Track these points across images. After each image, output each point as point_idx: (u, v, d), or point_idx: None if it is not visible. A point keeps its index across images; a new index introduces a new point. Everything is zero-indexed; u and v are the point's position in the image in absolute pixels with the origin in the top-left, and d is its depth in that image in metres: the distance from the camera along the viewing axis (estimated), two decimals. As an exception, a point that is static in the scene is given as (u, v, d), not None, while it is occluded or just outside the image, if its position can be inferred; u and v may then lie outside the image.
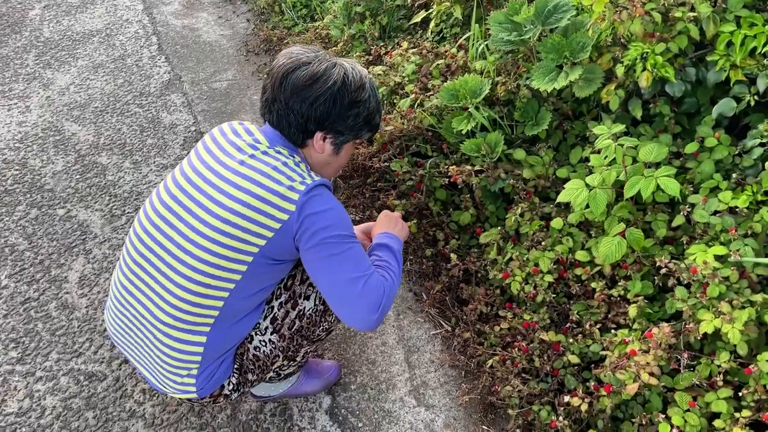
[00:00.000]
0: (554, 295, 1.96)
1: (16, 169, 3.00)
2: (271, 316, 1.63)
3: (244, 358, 1.65)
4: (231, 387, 1.67)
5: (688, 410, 1.58)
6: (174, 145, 3.16)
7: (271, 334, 1.63)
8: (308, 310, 1.64)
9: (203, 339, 1.53)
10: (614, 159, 1.88)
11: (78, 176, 2.96)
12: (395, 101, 2.68)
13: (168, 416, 1.95)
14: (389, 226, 1.76)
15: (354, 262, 1.46)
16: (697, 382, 1.62)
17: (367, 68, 2.93)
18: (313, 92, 1.43)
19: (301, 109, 1.44)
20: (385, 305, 1.47)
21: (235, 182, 1.43)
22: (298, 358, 1.74)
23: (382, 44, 3.17)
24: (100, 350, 2.15)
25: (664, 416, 1.59)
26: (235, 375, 1.66)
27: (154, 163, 3.04)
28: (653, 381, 1.58)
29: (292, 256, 1.52)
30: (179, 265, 1.46)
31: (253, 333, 1.63)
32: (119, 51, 4.05)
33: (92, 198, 2.83)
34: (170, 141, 3.19)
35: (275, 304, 1.63)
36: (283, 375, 1.81)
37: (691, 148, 1.94)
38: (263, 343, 1.63)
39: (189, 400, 1.65)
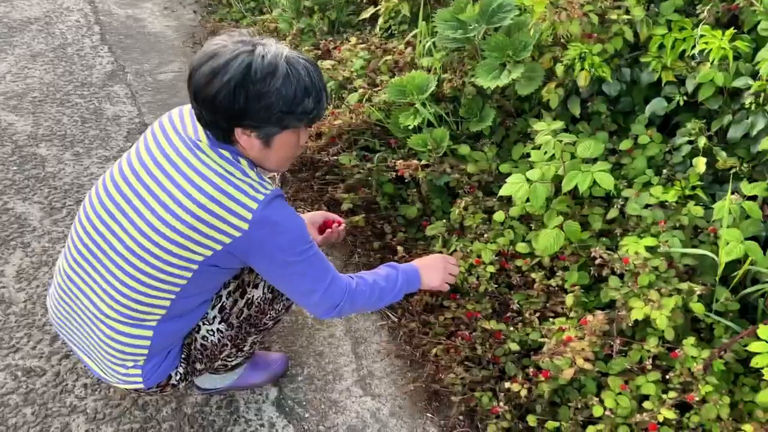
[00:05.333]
0: (496, 286, 2.02)
1: (-51, 160, 2.88)
2: (219, 305, 1.63)
3: (192, 347, 1.65)
4: (178, 377, 1.66)
5: (620, 393, 1.66)
6: (117, 137, 3.10)
7: (219, 323, 1.63)
8: (257, 299, 1.65)
9: (150, 333, 1.52)
10: (554, 155, 1.96)
11: (15, 167, 2.87)
12: (344, 96, 2.70)
13: (111, 410, 1.92)
14: (427, 266, 1.78)
15: (309, 277, 1.50)
16: (629, 367, 1.70)
17: (316, 62, 2.94)
18: (211, 90, 1.32)
19: (206, 108, 1.36)
20: (341, 309, 1.56)
21: (184, 188, 1.39)
22: (245, 348, 1.75)
23: (331, 39, 3.19)
24: (39, 345, 2.10)
25: (598, 400, 1.67)
26: (182, 365, 1.66)
27: (96, 155, 2.97)
28: (588, 366, 1.66)
29: (240, 265, 1.51)
30: (125, 265, 1.45)
31: (201, 323, 1.63)
32: (59, 40, 3.93)
33: (30, 190, 2.75)
34: (113, 132, 3.13)
35: (223, 293, 1.63)
36: (230, 366, 1.81)
37: (625, 145, 2.03)
38: (211, 333, 1.63)
39: (135, 390, 1.63)
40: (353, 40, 2.95)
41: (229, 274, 1.57)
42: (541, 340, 1.84)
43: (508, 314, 1.97)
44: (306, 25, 3.34)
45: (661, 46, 1.98)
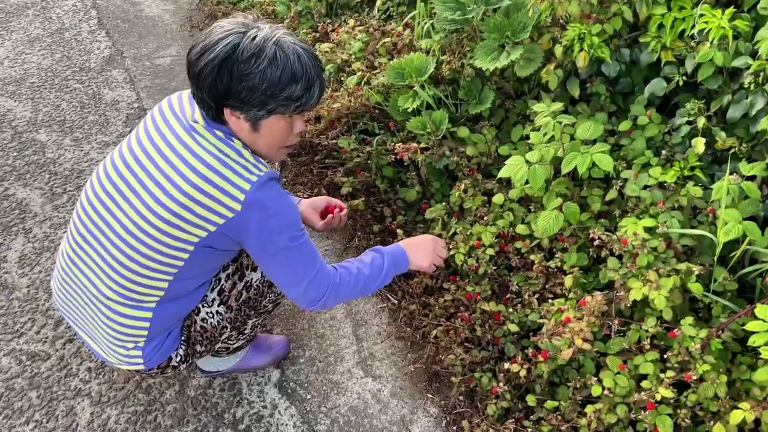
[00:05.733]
0: (495, 268, 2.03)
1: (-52, 147, 2.88)
2: (218, 288, 1.64)
3: (192, 330, 1.67)
4: (179, 358, 1.68)
5: (618, 373, 1.68)
6: (116, 122, 3.09)
7: (219, 305, 1.64)
8: (255, 281, 1.66)
9: (149, 314, 1.54)
10: (553, 136, 1.95)
11: (15, 153, 2.87)
12: (342, 79, 2.69)
13: (115, 393, 1.94)
14: (414, 245, 1.79)
15: (298, 266, 1.50)
16: (627, 347, 1.71)
17: (314, 45, 2.93)
18: (198, 66, 1.34)
19: (195, 85, 1.38)
20: (326, 301, 1.55)
21: (179, 168, 1.40)
22: (246, 331, 1.77)
23: (329, 21, 3.17)
24: (42, 330, 2.12)
25: (596, 379, 1.69)
26: (182, 347, 1.68)
27: (96, 140, 2.97)
28: (587, 346, 1.67)
29: (236, 246, 1.52)
30: (124, 246, 1.47)
31: (200, 305, 1.65)
32: (56, 24, 3.91)
33: (31, 176, 2.75)
34: (112, 118, 3.12)
35: (222, 276, 1.65)
36: (231, 348, 1.83)
37: (624, 126, 2.03)
38: (210, 315, 1.65)
39: (137, 371, 1.66)
40: (351, 22, 2.93)
41: (227, 256, 1.58)
42: (540, 321, 1.85)
43: (508, 296, 1.98)
44: (304, 8, 3.32)
45: (661, 26, 1.96)
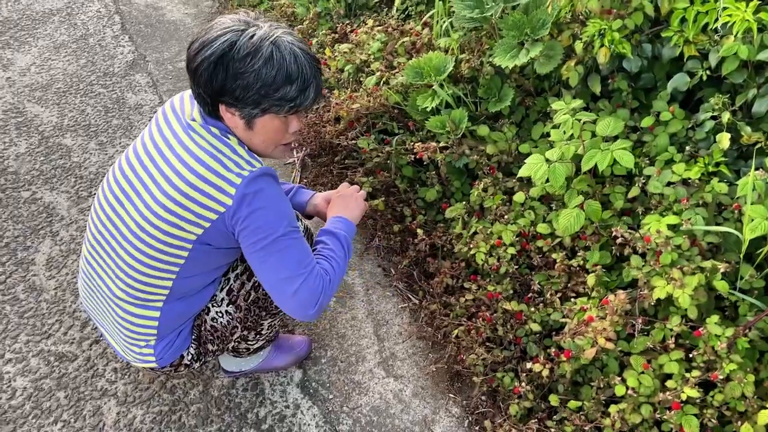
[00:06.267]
0: (517, 267, 2.02)
1: (-22, 152, 2.95)
2: (227, 287, 1.66)
3: (202, 329, 1.69)
4: (190, 357, 1.71)
5: (642, 372, 1.66)
6: (140, 126, 3.14)
7: (227, 305, 1.66)
8: None
9: (157, 314, 1.57)
10: (573, 134, 1.93)
11: (42, 158, 2.93)
12: (361, 79, 2.70)
13: (140, 393, 1.97)
14: (341, 207, 1.77)
15: (292, 260, 1.46)
16: (651, 346, 1.69)
17: (333, 46, 2.94)
18: (195, 62, 1.36)
19: (192, 79, 1.39)
20: (322, 301, 1.50)
21: (174, 166, 1.42)
22: (263, 332, 1.78)
23: (347, 22, 3.18)
24: (70, 331, 2.16)
25: (620, 379, 1.67)
26: (193, 345, 1.71)
27: (120, 144, 3.02)
28: (610, 345, 1.65)
29: (234, 244, 1.51)
30: (128, 245, 1.50)
31: (210, 305, 1.67)
32: (81, 30, 3.97)
33: (58, 180, 2.80)
34: (136, 122, 3.17)
35: (231, 276, 1.67)
36: (253, 349, 1.84)
37: (647, 122, 2.00)
38: (220, 315, 1.67)
39: (151, 369, 1.69)
40: (370, 22, 2.94)
41: (228, 254, 1.58)
42: (563, 320, 1.83)
43: (530, 295, 1.97)
44: (323, 9, 3.34)
45: (683, 20, 1.93)
